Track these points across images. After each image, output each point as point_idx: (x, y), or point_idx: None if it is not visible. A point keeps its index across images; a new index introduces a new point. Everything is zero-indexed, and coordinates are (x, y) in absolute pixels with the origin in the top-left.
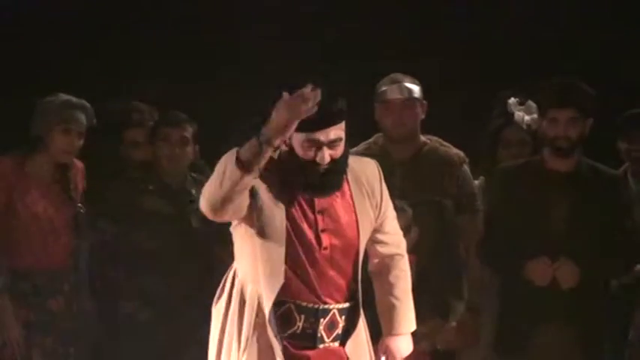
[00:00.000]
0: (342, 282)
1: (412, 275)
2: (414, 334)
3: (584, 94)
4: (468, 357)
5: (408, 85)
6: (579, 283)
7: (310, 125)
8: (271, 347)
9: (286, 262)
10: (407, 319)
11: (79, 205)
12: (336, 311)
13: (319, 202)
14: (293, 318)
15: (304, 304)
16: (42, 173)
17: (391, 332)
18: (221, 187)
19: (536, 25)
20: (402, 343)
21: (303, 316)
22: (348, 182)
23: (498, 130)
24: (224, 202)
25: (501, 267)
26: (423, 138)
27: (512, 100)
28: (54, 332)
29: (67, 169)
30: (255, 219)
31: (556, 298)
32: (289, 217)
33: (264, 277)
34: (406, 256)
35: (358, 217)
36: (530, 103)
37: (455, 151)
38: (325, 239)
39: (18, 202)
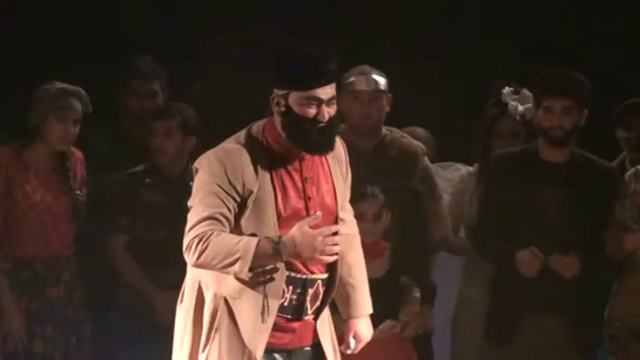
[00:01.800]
0: None
1: (387, 262)
2: (395, 319)
3: (579, 84)
4: (462, 346)
5: (375, 77)
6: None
7: (310, 83)
8: (237, 334)
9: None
10: (368, 301)
11: (78, 192)
12: (320, 282)
13: (306, 170)
14: (282, 290)
15: (293, 274)
16: (40, 162)
17: (355, 314)
18: (217, 265)
19: (533, 16)
20: (367, 326)
21: (291, 288)
22: None
23: (492, 120)
24: (212, 269)
25: (492, 255)
26: (384, 130)
27: (506, 89)
28: (54, 321)
29: (65, 157)
30: (249, 206)
31: (546, 288)
32: (280, 187)
33: None
34: (359, 237)
35: (335, 185)
36: (525, 92)
37: (415, 142)
38: (312, 207)
39: (17, 191)
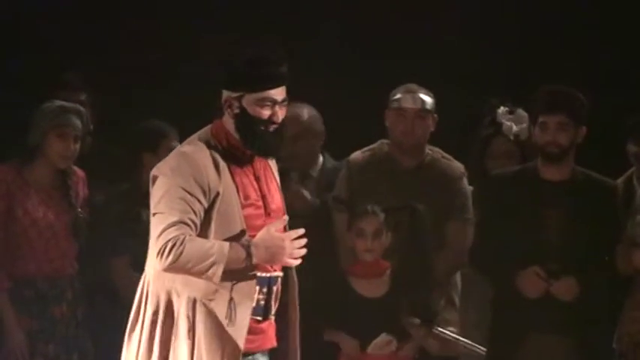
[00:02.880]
0: None
1: (387, 282)
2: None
3: (574, 100)
4: None
5: (422, 96)
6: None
7: (265, 84)
8: (216, 335)
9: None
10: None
11: (79, 210)
12: (279, 279)
13: (257, 170)
14: (255, 288)
15: (259, 273)
16: (41, 180)
17: None
18: (191, 269)
19: (537, 28)
20: None
21: (258, 288)
22: None
23: (486, 140)
24: (183, 273)
25: (493, 276)
26: (426, 149)
27: (501, 109)
28: (57, 339)
29: (66, 175)
30: (217, 207)
31: (548, 309)
32: (240, 185)
33: None
34: None
35: (278, 183)
36: (520, 111)
37: (456, 164)
38: (269, 204)
39: (18, 208)
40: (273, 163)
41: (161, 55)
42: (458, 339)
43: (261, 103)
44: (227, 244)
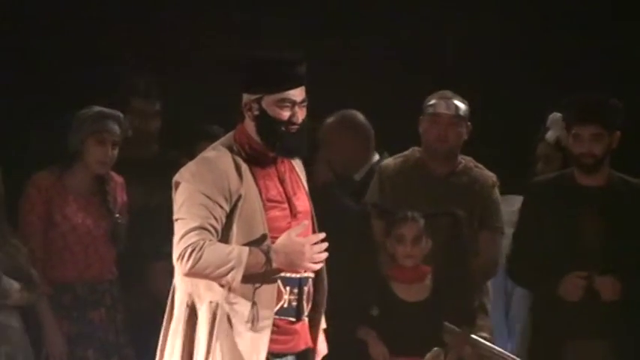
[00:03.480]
0: None
1: (429, 286)
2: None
3: (608, 109)
4: None
5: (457, 102)
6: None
7: (285, 85)
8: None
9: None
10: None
11: (117, 216)
12: (310, 280)
13: (281, 173)
14: (280, 292)
15: (289, 275)
16: (80, 186)
17: None
18: (211, 274)
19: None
20: (322, 341)
21: (288, 288)
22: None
23: (534, 146)
24: (203, 278)
25: (532, 283)
26: (459, 157)
27: (553, 114)
28: (95, 344)
29: (104, 181)
30: (238, 211)
31: (589, 313)
32: (264, 188)
33: None
34: None
35: (304, 185)
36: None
37: (488, 173)
38: (296, 206)
39: (57, 214)
40: (299, 165)
41: None
42: (493, 348)
43: (281, 104)
44: (247, 249)
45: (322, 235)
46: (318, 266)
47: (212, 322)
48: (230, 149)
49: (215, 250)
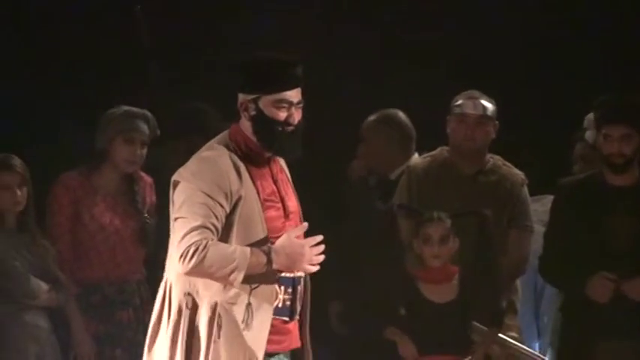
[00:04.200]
0: None
1: (457, 286)
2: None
3: (637, 109)
4: None
5: (484, 102)
6: None
7: (282, 86)
8: (237, 339)
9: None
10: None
11: (146, 216)
12: (302, 279)
13: (274, 173)
14: (275, 292)
15: (283, 274)
16: (108, 185)
17: None
18: (214, 274)
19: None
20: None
21: (283, 288)
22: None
23: (573, 145)
24: (204, 277)
25: (562, 283)
26: (487, 156)
27: (590, 115)
28: (123, 344)
29: (133, 181)
30: (238, 211)
31: (619, 314)
32: (261, 188)
33: None
34: None
35: (292, 185)
36: None
37: (516, 171)
38: (288, 206)
39: (85, 214)
40: (285, 166)
41: None
42: (521, 347)
43: (278, 104)
44: (249, 249)
45: (320, 238)
46: (315, 268)
47: (211, 322)
48: (227, 148)
49: (218, 250)
